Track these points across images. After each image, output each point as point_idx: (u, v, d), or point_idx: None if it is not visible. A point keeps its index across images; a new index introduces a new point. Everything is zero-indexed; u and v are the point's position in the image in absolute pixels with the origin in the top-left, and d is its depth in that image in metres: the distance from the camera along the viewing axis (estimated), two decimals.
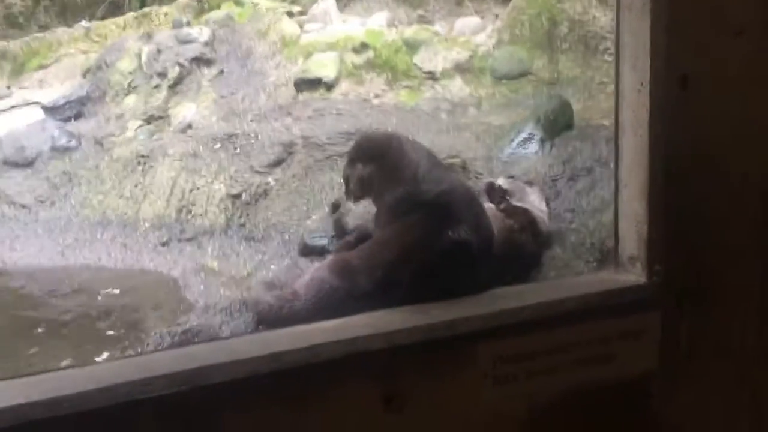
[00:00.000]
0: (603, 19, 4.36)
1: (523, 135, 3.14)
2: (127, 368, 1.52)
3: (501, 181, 2.65)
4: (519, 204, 2.55)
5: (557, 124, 3.21)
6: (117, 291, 3.18)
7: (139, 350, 2.27)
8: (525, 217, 2.49)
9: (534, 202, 2.59)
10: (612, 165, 2.83)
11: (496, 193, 2.61)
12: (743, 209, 1.77)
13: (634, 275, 1.81)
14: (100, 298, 3.15)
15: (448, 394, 1.64)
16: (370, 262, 2.21)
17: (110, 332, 2.79)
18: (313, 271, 2.38)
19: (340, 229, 2.89)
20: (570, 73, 4.26)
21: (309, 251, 2.86)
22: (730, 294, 1.80)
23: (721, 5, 1.67)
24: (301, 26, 5.25)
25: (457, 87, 4.23)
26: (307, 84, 4.46)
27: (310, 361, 1.53)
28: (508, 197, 2.56)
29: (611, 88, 4.71)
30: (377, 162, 2.25)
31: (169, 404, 1.45)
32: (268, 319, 2.31)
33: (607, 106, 3.92)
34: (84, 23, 6.02)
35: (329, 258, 2.44)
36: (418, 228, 2.13)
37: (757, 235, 1.78)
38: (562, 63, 4.32)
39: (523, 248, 2.44)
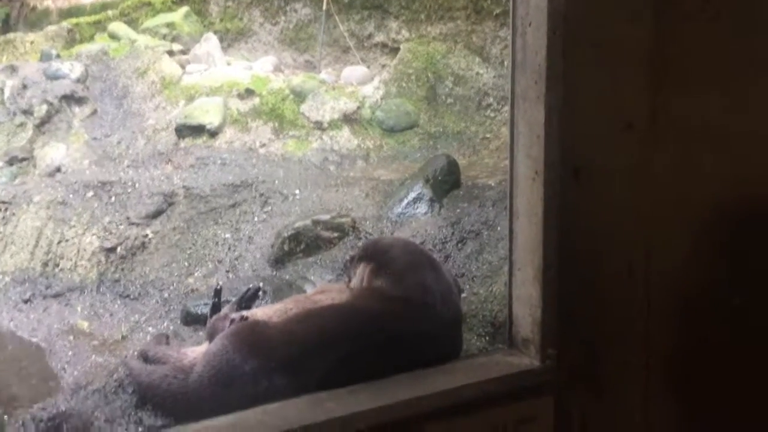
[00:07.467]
0: (485, 75, 4.51)
1: (413, 195, 3.15)
2: None
3: None
4: None
5: (445, 183, 3.25)
6: None
7: None
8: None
9: None
10: (499, 228, 2.91)
11: None
12: (629, 293, 1.83)
13: (528, 358, 1.83)
14: None
15: None
16: (294, 329, 1.95)
17: None
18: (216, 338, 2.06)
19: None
20: (455, 127, 4.35)
21: (192, 319, 2.69)
22: (618, 375, 1.85)
23: (612, 99, 1.73)
24: (182, 66, 5.04)
25: (345, 138, 4.20)
26: (190, 130, 4.27)
27: None
28: None
29: (495, 144, 4.82)
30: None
31: None
32: (154, 396, 2.10)
33: (490, 161, 4.04)
34: None
35: (234, 323, 2.09)
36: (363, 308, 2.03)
37: (641, 318, 1.85)
38: (447, 117, 4.42)
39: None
